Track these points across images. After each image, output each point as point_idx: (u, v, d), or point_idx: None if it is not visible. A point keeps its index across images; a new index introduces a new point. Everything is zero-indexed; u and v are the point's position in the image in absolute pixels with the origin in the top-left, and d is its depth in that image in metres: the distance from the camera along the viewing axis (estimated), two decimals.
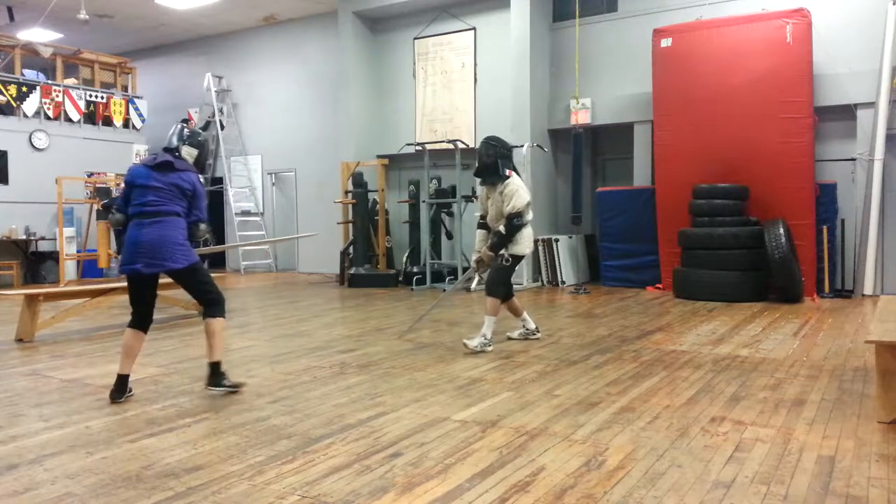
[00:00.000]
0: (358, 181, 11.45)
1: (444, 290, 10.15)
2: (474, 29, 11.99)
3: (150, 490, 2.90)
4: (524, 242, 5.81)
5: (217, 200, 14.81)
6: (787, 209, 8.90)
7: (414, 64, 12.64)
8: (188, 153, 4.55)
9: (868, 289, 8.79)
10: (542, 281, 11.04)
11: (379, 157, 12.51)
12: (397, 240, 12.62)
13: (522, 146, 10.68)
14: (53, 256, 12.61)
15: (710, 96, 9.45)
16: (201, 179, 4.66)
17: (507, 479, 2.97)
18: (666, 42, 9.76)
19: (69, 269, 12.59)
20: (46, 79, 13.66)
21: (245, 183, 14.87)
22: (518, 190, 5.70)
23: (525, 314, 6.25)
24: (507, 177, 5.76)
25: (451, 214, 11.83)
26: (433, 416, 3.91)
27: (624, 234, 10.34)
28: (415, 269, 11.18)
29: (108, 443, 3.53)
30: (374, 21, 12.98)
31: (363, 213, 11.42)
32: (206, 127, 14.67)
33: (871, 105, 8.88)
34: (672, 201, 9.64)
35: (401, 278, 11.34)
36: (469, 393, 4.43)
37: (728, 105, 9.33)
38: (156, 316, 4.69)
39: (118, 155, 13.96)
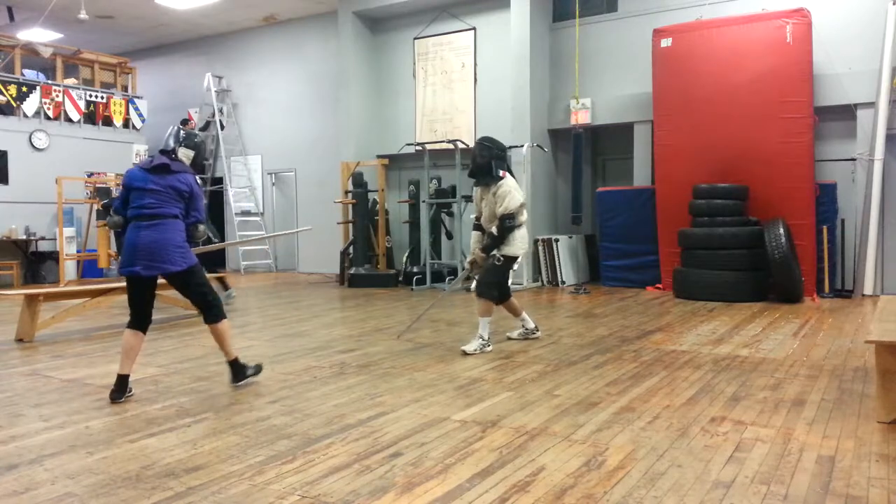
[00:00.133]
0: (358, 181, 11.46)
1: (444, 290, 10.15)
2: (474, 29, 11.99)
3: (150, 490, 2.90)
4: (517, 244, 5.75)
5: (217, 200, 14.82)
6: (787, 209, 8.90)
7: (414, 64, 12.64)
8: (185, 155, 4.58)
9: (868, 289, 8.79)
10: (542, 281, 11.04)
11: (379, 157, 12.51)
12: (397, 240, 12.62)
13: (522, 146, 10.69)
14: (53, 256, 12.62)
15: (710, 96, 9.45)
16: (198, 180, 4.68)
17: (507, 479, 2.97)
18: (666, 42, 9.76)
19: (69, 269, 12.59)
20: (46, 79, 13.65)
21: (245, 183, 14.87)
22: (511, 191, 5.65)
23: (524, 314, 6.24)
24: (501, 178, 5.72)
25: (451, 214, 11.84)
26: (433, 416, 3.91)
27: (624, 234, 10.34)
28: (415, 269, 11.18)
29: (108, 443, 3.53)
30: (374, 21, 12.98)
31: (363, 213, 11.43)
32: (206, 127, 14.67)
33: (871, 105, 8.88)
34: (672, 201, 9.64)
35: (401, 278, 11.34)
36: (469, 393, 4.43)
37: (728, 105, 9.33)
38: (155, 316, 4.71)
39: (118, 155, 13.96)
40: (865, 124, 8.95)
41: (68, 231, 12.56)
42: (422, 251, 11.29)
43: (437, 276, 10.97)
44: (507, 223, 5.61)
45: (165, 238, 4.30)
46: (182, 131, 4.68)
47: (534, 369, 5.07)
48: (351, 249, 11.62)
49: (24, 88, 12.76)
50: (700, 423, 3.72)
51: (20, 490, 2.92)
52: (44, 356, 5.90)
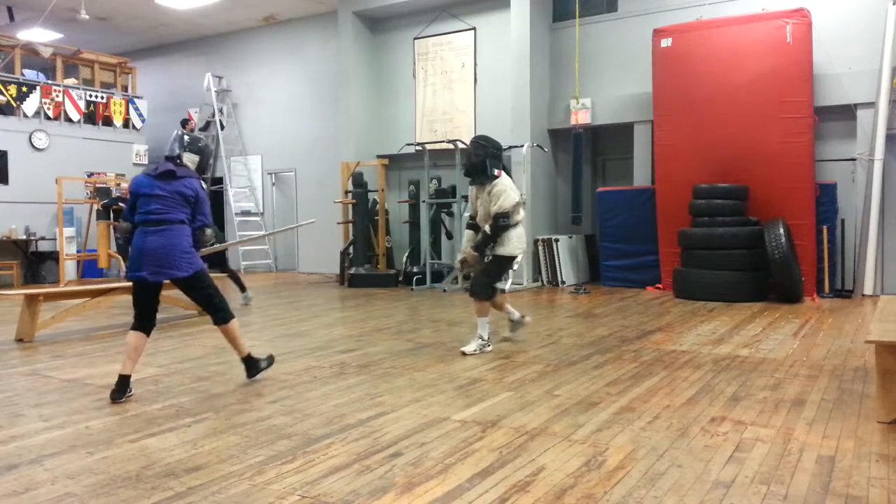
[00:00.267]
0: (358, 181, 11.46)
1: (444, 290, 10.16)
2: (474, 29, 11.99)
3: (150, 490, 2.90)
4: (513, 244, 5.68)
5: (217, 200, 14.81)
6: (787, 209, 8.90)
7: (414, 64, 12.64)
8: (190, 159, 4.66)
9: (868, 289, 8.79)
10: (542, 281, 11.04)
11: (379, 157, 12.51)
12: (397, 240, 12.62)
13: (522, 146, 10.70)
14: (53, 256, 12.61)
15: (710, 96, 9.45)
16: (203, 185, 4.74)
17: (507, 479, 2.97)
18: (666, 42, 9.76)
19: (69, 269, 12.58)
20: (46, 79, 13.66)
21: (245, 183, 14.87)
22: (506, 190, 5.61)
23: (507, 306, 6.17)
24: (496, 177, 5.69)
25: (451, 214, 11.84)
26: (433, 416, 3.91)
27: (624, 234, 10.34)
28: (415, 269, 11.19)
29: (108, 443, 3.53)
30: (374, 21, 12.98)
31: (363, 213, 11.43)
32: (206, 127, 14.68)
33: (871, 105, 8.88)
34: (672, 201, 9.64)
35: (401, 278, 11.34)
36: (469, 393, 4.43)
37: (728, 105, 9.33)
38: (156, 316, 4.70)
39: (118, 155, 13.97)
40: (865, 124, 8.95)
41: (68, 231, 12.56)
42: (422, 251, 11.29)
43: (437, 276, 10.96)
44: (501, 222, 5.57)
45: (172, 244, 4.38)
46: (186, 136, 4.75)
47: (534, 369, 5.07)
48: (351, 249, 11.63)
49: (24, 88, 12.76)
50: (700, 423, 3.72)
51: (20, 490, 2.92)
52: (44, 356, 5.90)
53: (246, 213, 14.67)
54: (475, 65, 12.01)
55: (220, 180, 14.97)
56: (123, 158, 14.07)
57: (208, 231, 4.66)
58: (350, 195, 11.54)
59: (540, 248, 11.00)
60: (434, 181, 11.25)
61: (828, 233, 8.93)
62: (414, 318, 7.68)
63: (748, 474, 2.99)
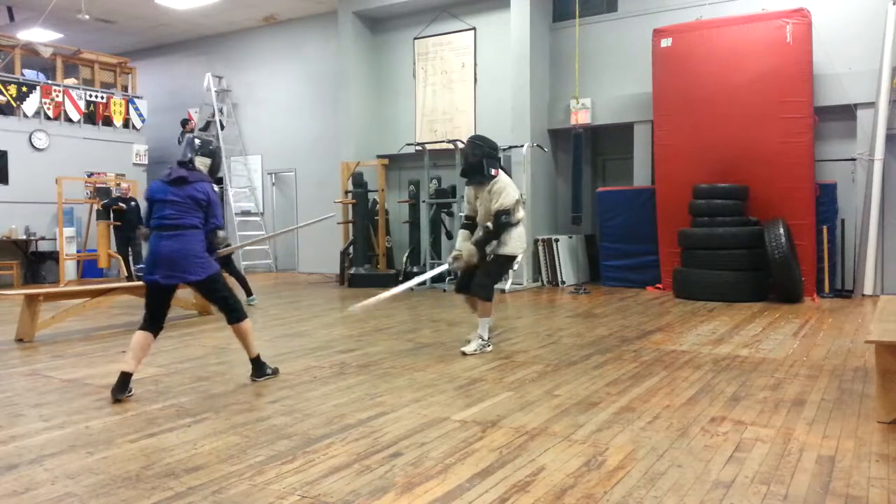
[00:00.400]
0: (358, 181, 11.46)
1: (444, 290, 10.16)
2: (474, 29, 11.99)
3: (150, 490, 2.90)
4: (514, 243, 5.69)
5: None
6: (787, 209, 8.90)
7: (414, 64, 12.64)
8: (202, 163, 4.78)
9: (868, 289, 8.79)
10: (542, 281, 11.04)
11: (379, 157, 12.51)
12: (397, 240, 12.62)
13: (522, 146, 10.70)
14: (53, 256, 12.61)
15: (710, 96, 9.45)
16: (215, 188, 4.85)
17: (507, 479, 2.97)
18: (666, 42, 9.76)
19: (69, 269, 12.58)
20: (46, 79, 13.65)
21: (245, 183, 14.87)
22: (507, 188, 5.63)
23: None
24: (494, 176, 5.69)
25: (451, 214, 11.83)
26: (433, 416, 3.91)
27: (624, 234, 10.34)
28: (415, 269, 11.17)
29: (108, 443, 3.53)
30: (374, 21, 12.98)
31: (363, 213, 11.43)
32: (206, 127, 14.67)
33: (871, 105, 8.88)
34: (672, 201, 9.64)
35: (401, 278, 11.31)
36: (469, 393, 4.43)
37: (728, 105, 9.33)
38: None
39: (118, 155, 13.97)
40: (865, 124, 8.95)
41: (68, 231, 12.56)
42: (422, 251, 11.29)
43: (437, 276, 10.94)
44: (503, 219, 5.57)
45: (186, 248, 4.49)
46: (198, 140, 4.88)
47: (534, 369, 5.07)
48: (351, 249, 11.63)
49: (24, 88, 12.76)
50: (700, 423, 3.72)
51: (20, 490, 2.92)
52: (44, 356, 5.90)
53: (246, 213, 14.66)
54: (475, 65, 12.01)
55: (220, 180, 14.94)
56: (123, 158, 14.07)
57: (220, 233, 4.76)
58: (350, 195, 11.54)
59: (540, 248, 11.00)
60: (434, 181, 11.25)
61: (828, 233, 8.93)
62: (414, 318, 7.68)
63: (748, 474, 2.99)
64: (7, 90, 12.49)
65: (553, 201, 11.64)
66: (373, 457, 3.25)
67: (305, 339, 6.54)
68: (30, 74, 13.60)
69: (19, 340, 6.57)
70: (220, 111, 14.80)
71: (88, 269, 12.98)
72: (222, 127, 14.76)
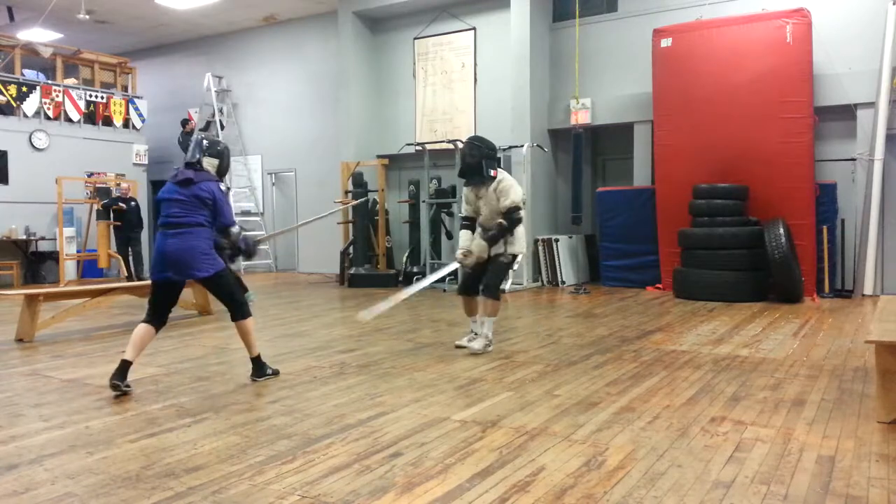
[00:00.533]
0: (358, 181, 11.46)
1: (444, 290, 10.15)
2: (474, 29, 11.99)
3: (150, 490, 2.90)
4: (521, 241, 5.78)
5: None
6: (787, 209, 8.90)
7: (414, 64, 12.64)
8: (209, 164, 4.81)
9: (868, 289, 8.79)
10: (542, 281, 11.04)
11: (379, 157, 12.51)
12: (397, 240, 12.62)
13: (522, 146, 10.69)
14: (53, 256, 12.61)
15: (710, 96, 9.45)
16: (222, 187, 4.86)
17: (507, 479, 2.96)
18: (666, 42, 9.76)
19: (69, 269, 12.58)
20: (46, 79, 13.65)
21: (245, 183, 14.86)
22: (513, 185, 5.70)
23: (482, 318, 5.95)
24: (493, 177, 5.71)
25: (451, 214, 11.82)
26: (433, 416, 3.91)
27: (624, 234, 10.34)
28: (415, 269, 11.19)
29: (108, 443, 3.53)
30: (374, 21, 12.98)
31: (363, 213, 11.42)
32: (206, 127, 14.67)
33: (871, 105, 8.88)
34: (672, 201, 9.64)
35: (401, 278, 11.34)
36: (469, 393, 4.43)
37: (728, 105, 9.33)
38: None
39: (118, 155, 13.96)
40: (865, 124, 8.95)
41: (68, 231, 12.56)
42: (422, 251, 11.29)
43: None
44: (516, 215, 5.64)
45: (190, 246, 4.53)
46: (205, 141, 4.91)
47: (534, 369, 5.07)
48: (351, 249, 11.63)
49: (24, 88, 12.76)
50: (700, 423, 3.72)
51: (20, 490, 2.92)
52: (44, 356, 5.90)
53: (246, 213, 14.66)
54: (475, 65, 12.01)
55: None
56: (123, 158, 14.06)
57: (234, 230, 4.79)
58: (350, 195, 11.54)
59: (540, 248, 11.00)
60: (434, 181, 11.24)
61: (828, 233, 8.93)
62: (414, 318, 7.68)
63: (748, 474, 2.99)
64: (7, 90, 12.49)
65: (553, 201, 11.64)
66: (373, 457, 3.25)
67: (305, 339, 6.54)
68: (30, 74, 13.60)
69: (19, 340, 6.57)
70: (220, 111, 14.80)
71: (88, 269, 12.98)
72: (222, 127, 14.76)
